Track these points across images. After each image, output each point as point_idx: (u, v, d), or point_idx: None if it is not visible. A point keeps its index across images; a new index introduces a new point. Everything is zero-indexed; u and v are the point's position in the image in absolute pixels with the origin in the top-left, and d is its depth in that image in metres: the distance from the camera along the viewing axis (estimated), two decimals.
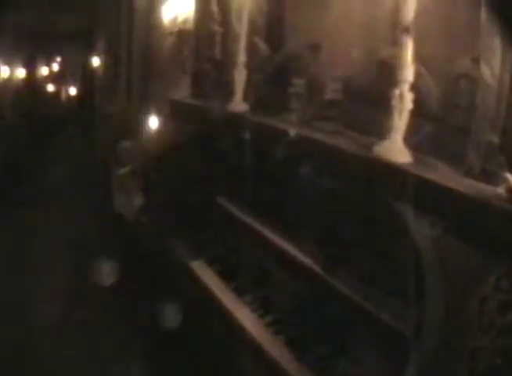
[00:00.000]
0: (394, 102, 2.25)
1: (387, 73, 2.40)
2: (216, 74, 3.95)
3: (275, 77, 3.35)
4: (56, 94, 14.63)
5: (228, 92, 3.56)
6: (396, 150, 2.30)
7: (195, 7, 4.53)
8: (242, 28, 3.24)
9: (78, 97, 12.82)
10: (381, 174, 2.34)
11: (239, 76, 3.27)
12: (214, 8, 3.89)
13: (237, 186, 3.27)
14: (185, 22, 5.46)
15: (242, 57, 3.27)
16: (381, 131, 2.36)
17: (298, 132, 2.76)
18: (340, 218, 2.58)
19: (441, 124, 2.27)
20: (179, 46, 5.75)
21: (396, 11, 2.71)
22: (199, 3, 4.41)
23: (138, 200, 4.40)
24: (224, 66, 3.90)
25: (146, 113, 6.66)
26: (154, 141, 5.25)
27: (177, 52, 5.85)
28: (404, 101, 2.22)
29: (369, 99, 2.70)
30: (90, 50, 10.19)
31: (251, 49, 3.36)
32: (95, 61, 9.51)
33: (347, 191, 2.51)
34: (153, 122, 5.53)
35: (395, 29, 2.37)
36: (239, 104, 3.34)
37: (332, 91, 2.76)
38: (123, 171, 6.18)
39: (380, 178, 2.34)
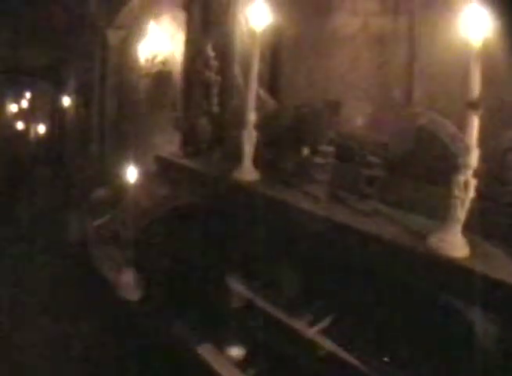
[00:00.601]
0: (457, 191, 1.83)
1: (429, 142, 2.16)
2: (213, 130, 3.29)
3: (288, 139, 2.72)
4: (25, 132, 13.80)
5: (229, 154, 2.91)
6: (455, 243, 1.87)
7: (184, 48, 3.89)
8: (251, 81, 2.60)
9: (47, 138, 12.02)
10: (436, 270, 1.91)
11: (249, 138, 2.61)
12: (210, 53, 3.26)
13: (254, 267, 2.61)
14: (164, 62, 4.84)
15: (251, 116, 2.62)
16: (429, 211, 2.12)
17: (330, 216, 2.12)
18: (390, 318, 2.08)
19: (491, 203, 2.00)
20: (159, 89, 5.12)
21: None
22: (189, 45, 3.78)
23: (127, 276, 3.64)
24: (223, 122, 3.25)
25: (122, 161, 5.97)
26: (135, 198, 4.54)
27: (156, 95, 5.21)
28: (468, 190, 1.82)
29: (410, 171, 2.31)
30: (60, 88, 9.49)
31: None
32: (66, 101, 8.77)
33: (395, 290, 2.02)
34: (132, 173, 4.83)
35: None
36: (248, 172, 2.67)
37: (367, 165, 2.14)
38: (99, 222, 5.47)
39: (436, 275, 1.92)
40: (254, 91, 2.58)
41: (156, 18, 5.24)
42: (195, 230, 2.96)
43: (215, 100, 3.25)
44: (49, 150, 11.10)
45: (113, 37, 6.61)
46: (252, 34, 2.60)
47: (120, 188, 5.46)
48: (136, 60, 5.55)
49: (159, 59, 4.86)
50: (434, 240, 1.89)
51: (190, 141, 3.36)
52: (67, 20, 8.06)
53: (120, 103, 6.23)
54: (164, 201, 3.41)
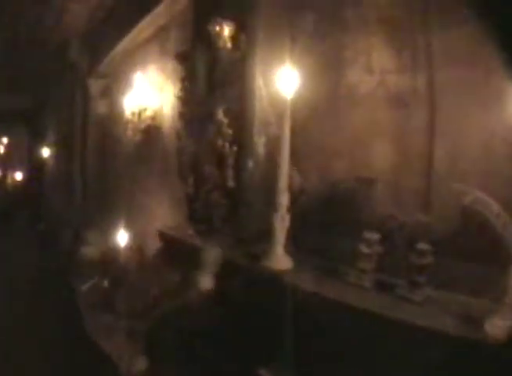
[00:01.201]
0: None
1: (475, 221, 1.93)
2: (228, 206, 2.88)
3: (320, 220, 2.33)
4: (2, 179, 13.21)
5: (252, 237, 2.51)
6: None
7: (186, 109, 3.52)
8: (282, 157, 2.22)
9: (25, 188, 11.48)
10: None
11: (281, 223, 2.22)
12: (222, 118, 2.89)
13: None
14: (154, 117, 4.45)
15: (283, 199, 2.23)
16: (480, 292, 1.95)
17: (381, 311, 1.75)
18: None
19: None
20: (147, 145, 4.72)
21: None
22: (193, 106, 3.40)
23: (140, 364, 3.13)
24: (242, 199, 2.84)
25: (107, 219, 5.51)
26: (141, 276, 4.12)
27: (144, 152, 4.81)
28: None
29: (459, 251, 2.09)
30: (39, 137, 9.04)
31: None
32: (45, 151, 8.32)
33: None
34: (122, 237, 4.39)
35: None
36: (281, 260, 2.27)
37: (418, 253, 1.93)
38: (88, 285, 4.97)
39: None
40: (285, 168, 2.20)
41: (143, 68, 4.88)
42: (217, 324, 2.51)
43: (230, 173, 2.85)
44: (26, 201, 10.53)
45: (95, 86, 6.25)
46: (278, 102, 2.28)
47: (109, 250, 5.01)
48: (121, 113, 5.16)
49: (148, 113, 4.47)
50: (490, 327, 1.71)
51: (201, 217, 2.94)
52: (48, 66, 7.68)
53: (104, 157, 5.80)
54: (177, 289, 2.96)
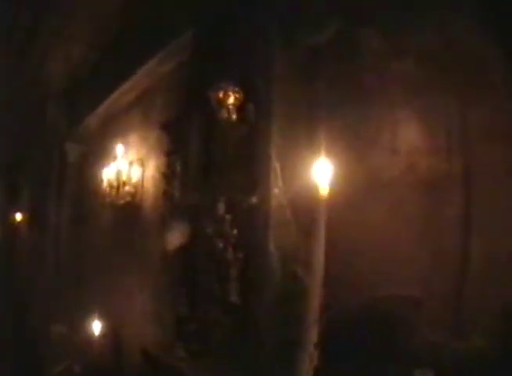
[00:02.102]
0: None
1: None
2: (232, 325, 2.26)
3: (353, 349, 1.75)
4: None
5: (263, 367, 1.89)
6: None
7: (175, 193, 2.98)
8: (313, 277, 1.65)
9: None
10: None
11: (308, 363, 1.65)
12: (224, 213, 2.33)
13: None
14: (133, 195, 3.88)
15: (313, 335, 1.65)
16: None
17: None
18: None
19: None
20: (125, 225, 4.13)
21: None
22: (184, 192, 2.84)
23: None
24: (250, 318, 2.21)
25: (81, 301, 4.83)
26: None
27: (122, 231, 4.21)
28: None
29: None
30: (13, 198, 8.37)
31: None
32: (18, 216, 7.65)
33: None
34: (97, 327, 3.80)
35: None
36: None
37: None
38: (59, 369, 4.27)
39: None
40: (318, 290, 1.62)
41: (123, 136, 4.35)
42: None
43: (234, 286, 2.23)
44: None
45: (73, 152, 5.70)
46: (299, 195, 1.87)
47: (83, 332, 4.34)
48: (99, 184, 4.58)
49: (127, 188, 3.90)
50: None
51: (195, 336, 2.31)
52: (26, 125, 7.16)
53: (79, 231, 5.18)
54: None
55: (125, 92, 4.52)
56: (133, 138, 4.25)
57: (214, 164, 2.54)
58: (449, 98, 2.26)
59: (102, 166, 4.54)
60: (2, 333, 5.59)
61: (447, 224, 2.17)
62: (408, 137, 2.37)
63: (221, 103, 2.39)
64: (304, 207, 2.03)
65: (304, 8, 2.24)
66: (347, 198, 2.22)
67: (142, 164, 3.98)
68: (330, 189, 1.82)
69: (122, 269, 4.08)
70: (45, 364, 4.93)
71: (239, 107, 2.41)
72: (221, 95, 2.37)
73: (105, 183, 4.34)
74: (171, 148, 3.17)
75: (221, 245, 2.32)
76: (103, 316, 4.05)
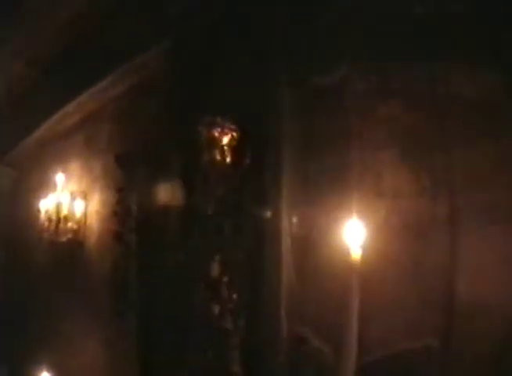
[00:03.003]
0: None
1: None
2: None
3: None
4: None
5: None
6: None
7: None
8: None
9: None
10: None
11: None
12: (220, 275, 1.99)
13: None
14: (76, 232, 3.45)
15: None
16: None
17: None
18: None
19: None
20: (66, 265, 3.67)
21: None
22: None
23: None
24: None
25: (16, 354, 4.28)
26: None
27: (61, 272, 3.74)
28: None
29: None
30: None
31: None
32: None
33: None
34: None
35: None
36: None
37: None
38: None
39: None
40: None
41: (63, 164, 3.91)
42: None
43: (236, 356, 1.89)
44: None
45: (3, 177, 5.13)
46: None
47: None
48: (35, 217, 4.09)
49: (69, 224, 3.46)
50: None
51: None
52: None
53: (12, 270, 4.62)
54: None
55: (68, 114, 4.09)
56: (75, 166, 3.82)
57: (198, 214, 2.17)
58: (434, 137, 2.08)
59: (39, 196, 4.07)
60: None
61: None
62: (391, 179, 2.15)
63: (215, 142, 2.05)
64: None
65: (316, 47, 1.98)
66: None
67: (85, 197, 3.55)
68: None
69: (67, 313, 3.62)
70: None
71: (235, 149, 2.07)
72: (216, 133, 2.03)
73: (42, 216, 3.87)
74: (124, 184, 2.79)
75: (216, 309, 1.97)
76: (42, 367, 3.55)
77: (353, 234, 1.56)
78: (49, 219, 3.75)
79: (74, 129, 4.04)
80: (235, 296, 2.00)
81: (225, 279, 2.01)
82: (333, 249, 1.76)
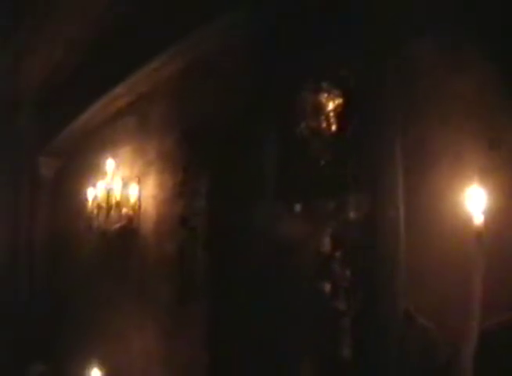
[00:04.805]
0: None
1: None
2: None
3: None
4: None
5: None
6: None
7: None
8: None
9: None
10: None
11: None
12: (331, 250, 1.74)
13: None
14: (131, 218, 3.20)
15: None
16: None
17: None
18: None
19: None
20: (119, 255, 3.44)
21: None
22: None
23: None
24: None
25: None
26: None
27: (114, 263, 3.51)
28: None
29: None
30: None
31: None
32: None
33: None
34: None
35: None
36: None
37: None
38: None
39: None
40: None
41: (113, 149, 3.68)
42: None
43: (346, 340, 1.68)
44: None
45: (47, 167, 4.95)
46: None
47: None
48: (82, 206, 3.87)
49: (124, 210, 3.22)
50: None
51: None
52: None
53: (58, 263, 4.42)
54: None
55: (116, 97, 3.86)
56: (126, 151, 3.58)
57: (299, 186, 1.91)
58: None
59: (86, 184, 3.85)
60: None
61: None
62: None
63: (320, 108, 1.79)
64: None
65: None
66: None
67: (139, 182, 3.30)
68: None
69: (117, 307, 3.38)
70: None
71: (340, 116, 1.81)
72: (322, 98, 1.78)
73: (91, 205, 3.64)
74: (190, 163, 2.54)
75: (326, 286, 1.71)
76: (93, 361, 3.32)
77: (475, 200, 1.45)
78: (99, 207, 3.52)
79: (125, 112, 3.81)
80: (348, 273, 1.72)
81: (337, 253, 1.74)
82: (452, 217, 1.56)
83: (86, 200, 3.73)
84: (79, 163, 4.36)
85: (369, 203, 1.85)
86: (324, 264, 1.80)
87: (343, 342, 1.75)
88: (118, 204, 3.30)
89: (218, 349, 2.49)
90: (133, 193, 3.28)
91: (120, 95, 3.77)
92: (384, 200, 1.75)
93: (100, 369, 3.28)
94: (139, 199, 3.26)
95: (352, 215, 1.80)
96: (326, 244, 1.82)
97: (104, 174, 3.57)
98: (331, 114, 1.84)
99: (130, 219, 3.24)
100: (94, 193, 3.61)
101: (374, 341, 1.75)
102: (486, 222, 1.37)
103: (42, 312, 4.63)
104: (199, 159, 2.70)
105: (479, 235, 1.34)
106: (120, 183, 3.39)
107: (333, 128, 1.85)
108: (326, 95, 1.84)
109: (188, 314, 2.72)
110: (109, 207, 3.39)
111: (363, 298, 1.79)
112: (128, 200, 3.28)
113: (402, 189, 1.72)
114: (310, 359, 1.84)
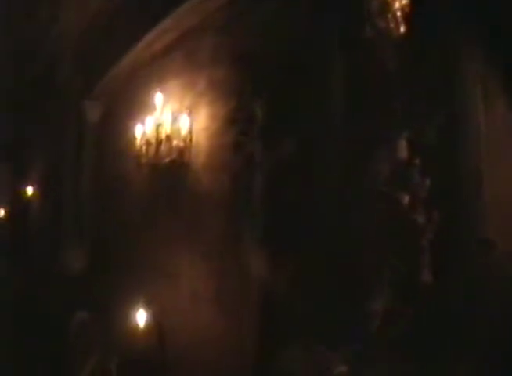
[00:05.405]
0: None
1: None
2: (427, 321, 1.60)
3: None
4: None
5: None
6: None
7: None
8: None
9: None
10: None
11: None
12: (408, 154, 1.62)
13: None
14: (182, 151, 3.13)
15: None
16: None
17: None
18: None
19: None
20: (168, 190, 3.39)
21: None
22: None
23: None
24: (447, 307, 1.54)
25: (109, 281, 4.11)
26: None
27: (163, 198, 3.46)
28: None
29: None
30: (23, 173, 7.60)
31: None
32: (29, 190, 6.90)
33: None
34: (141, 317, 3.06)
35: None
36: None
37: None
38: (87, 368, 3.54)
39: None
40: None
41: (161, 85, 3.58)
42: None
43: (426, 259, 1.56)
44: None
45: (92, 110, 4.92)
46: None
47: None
48: (130, 144, 3.82)
49: (174, 143, 3.15)
50: None
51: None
52: (33, 87, 6.35)
53: (105, 201, 4.43)
54: None
55: (160, 35, 3.74)
56: (175, 85, 3.48)
57: (367, 95, 1.76)
58: None
59: (134, 123, 3.78)
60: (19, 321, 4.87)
61: None
62: None
63: (387, 7, 1.62)
64: None
65: None
66: None
67: (190, 114, 3.21)
68: None
69: (166, 245, 3.35)
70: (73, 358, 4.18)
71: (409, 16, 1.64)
72: None
73: (139, 141, 3.58)
74: (245, 89, 2.42)
75: (405, 198, 1.58)
76: (143, 301, 3.32)
77: None
78: (148, 143, 3.45)
79: (172, 47, 3.69)
80: (428, 182, 1.58)
81: (417, 160, 1.59)
82: None
83: (134, 138, 3.67)
84: (125, 104, 4.29)
85: (445, 115, 1.69)
86: (402, 171, 1.66)
87: (422, 264, 1.62)
88: (168, 138, 3.22)
89: (273, 286, 2.40)
90: (184, 125, 3.18)
91: (166, 30, 3.65)
92: (462, 112, 1.59)
93: (146, 310, 3.26)
94: (190, 132, 3.17)
95: (430, 116, 1.64)
96: (403, 149, 1.67)
97: (152, 109, 3.48)
98: (398, 14, 1.66)
99: (181, 152, 3.16)
100: (142, 129, 3.54)
101: (455, 265, 1.63)
102: None
103: (88, 259, 4.70)
104: (253, 84, 2.57)
105: None
106: (170, 117, 3.29)
107: (402, 29, 1.66)
108: None
109: (240, 250, 2.64)
110: (158, 142, 3.31)
111: (443, 218, 1.66)
112: (178, 133, 3.19)
113: (480, 99, 1.55)
114: (387, 283, 1.72)
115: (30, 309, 4.90)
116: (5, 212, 9.71)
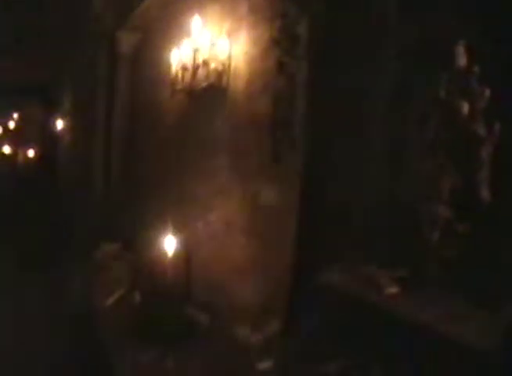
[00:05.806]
0: None
1: None
2: (473, 240, 1.51)
3: None
4: (13, 157, 11.90)
5: None
6: None
7: None
8: None
9: (38, 165, 10.16)
10: None
11: None
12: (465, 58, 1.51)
13: None
14: (219, 75, 3.05)
15: None
16: None
17: None
18: None
19: None
20: (205, 114, 3.34)
21: None
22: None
23: None
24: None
25: (136, 208, 4.16)
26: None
27: (198, 124, 3.42)
28: None
29: None
30: (53, 108, 7.66)
31: None
32: (59, 124, 6.95)
33: None
34: (170, 243, 3.08)
35: None
36: None
37: None
38: (113, 299, 3.65)
39: None
40: None
41: (200, 10, 3.46)
42: None
43: (485, 174, 1.44)
44: (39, 181, 9.18)
45: (125, 41, 4.83)
46: None
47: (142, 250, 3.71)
48: (164, 73, 3.75)
49: (212, 66, 3.06)
50: None
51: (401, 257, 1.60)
52: (62, 23, 6.24)
53: (137, 130, 4.41)
54: None
55: None
56: (214, 9, 3.36)
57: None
58: None
59: (169, 50, 3.69)
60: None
61: None
62: None
63: None
64: None
65: None
66: None
67: (229, 38, 3.10)
68: None
69: (201, 172, 3.33)
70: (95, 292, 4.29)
71: None
72: None
73: (174, 68, 3.50)
74: (289, 10, 2.31)
75: (464, 105, 1.50)
76: (171, 231, 3.33)
77: None
78: (184, 68, 3.37)
79: None
80: (487, 93, 1.49)
81: (476, 69, 1.50)
82: None
83: (170, 65, 3.59)
84: (161, 32, 4.18)
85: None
86: (461, 79, 1.57)
87: (481, 179, 1.55)
88: (206, 63, 3.12)
89: (309, 218, 2.36)
90: (223, 49, 3.08)
91: None
92: None
93: (175, 236, 3.26)
94: (229, 56, 3.07)
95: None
96: (461, 54, 1.57)
97: (189, 34, 3.37)
98: None
99: (219, 76, 3.08)
100: (178, 55, 3.45)
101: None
102: None
103: (119, 192, 4.75)
104: (299, 5, 2.44)
105: None
106: (209, 41, 3.19)
107: None
108: None
109: (278, 176, 2.59)
110: (195, 68, 3.22)
111: (503, 134, 1.56)
112: (216, 57, 3.10)
113: None
114: (440, 200, 1.66)
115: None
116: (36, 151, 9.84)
